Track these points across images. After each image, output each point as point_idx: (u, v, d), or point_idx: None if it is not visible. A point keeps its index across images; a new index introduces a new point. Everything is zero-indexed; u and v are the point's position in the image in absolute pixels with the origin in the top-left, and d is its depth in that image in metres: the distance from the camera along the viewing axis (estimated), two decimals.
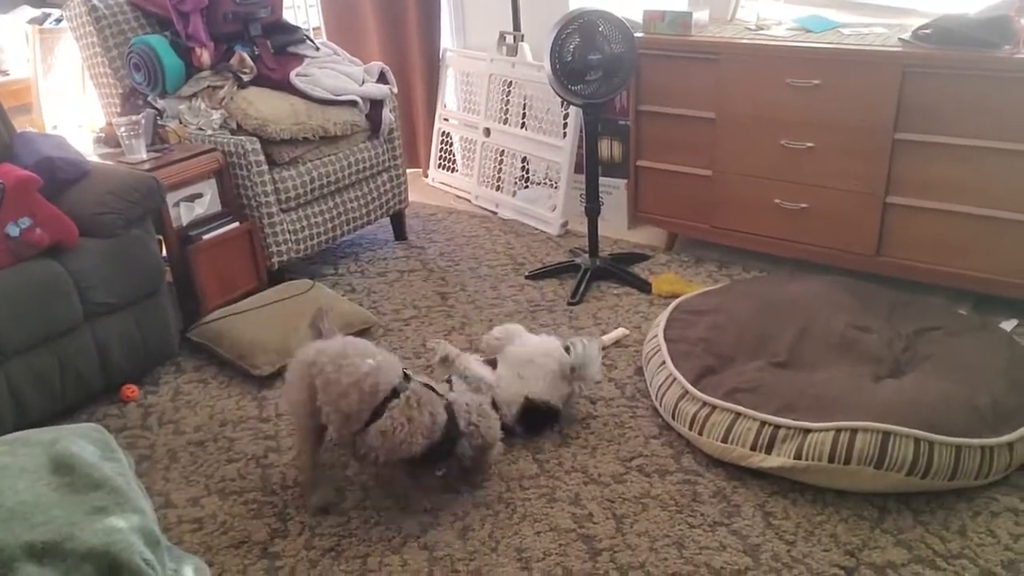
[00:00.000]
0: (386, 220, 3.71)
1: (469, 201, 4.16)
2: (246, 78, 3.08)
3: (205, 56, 3.07)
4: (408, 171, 3.74)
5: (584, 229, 3.29)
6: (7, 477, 1.02)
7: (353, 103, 3.25)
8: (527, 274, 3.31)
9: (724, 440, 2.08)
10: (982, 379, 2.11)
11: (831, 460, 1.93)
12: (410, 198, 3.75)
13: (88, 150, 2.91)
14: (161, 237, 2.77)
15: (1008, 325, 2.62)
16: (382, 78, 3.44)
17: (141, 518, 1.01)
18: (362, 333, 2.86)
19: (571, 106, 3.54)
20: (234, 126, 3.02)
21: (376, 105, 3.34)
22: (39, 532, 0.94)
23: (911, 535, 1.85)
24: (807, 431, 1.97)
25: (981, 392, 2.05)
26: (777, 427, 2.02)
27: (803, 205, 2.96)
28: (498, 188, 4.05)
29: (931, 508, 1.92)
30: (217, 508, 2.09)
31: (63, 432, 1.16)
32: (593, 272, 3.18)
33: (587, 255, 3.25)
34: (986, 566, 1.75)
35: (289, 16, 3.82)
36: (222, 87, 3.03)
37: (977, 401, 2.01)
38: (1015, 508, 1.91)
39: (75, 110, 4.29)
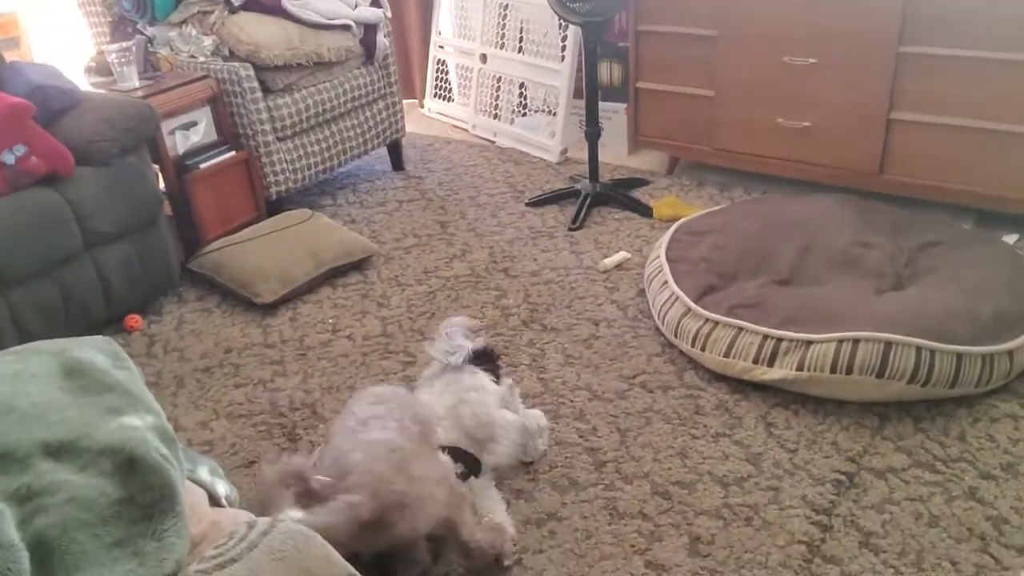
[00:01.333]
0: (383, 151, 3.67)
1: (466, 131, 4.12)
2: (237, 2, 3.01)
3: None
4: (404, 102, 3.68)
5: (584, 156, 3.25)
6: (19, 382, 1.03)
7: (347, 27, 3.18)
8: (527, 201, 3.29)
9: (726, 355, 2.10)
10: (984, 290, 2.11)
11: (833, 371, 1.94)
12: (407, 128, 3.70)
13: (80, 80, 2.86)
14: (158, 167, 2.74)
15: (1010, 239, 2.62)
16: (375, 2, 3.36)
17: (155, 418, 1.02)
18: (363, 261, 2.86)
19: (569, 28, 3.47)
20: (226, 52, 2.96)
21: (370, 29, 3.27)
22: (54, 431, 0.95)
23: (911, 441, 1.88)
24: (809, 343, 1.99)
25: (982, 302, 2.05)
26: (779, 340, 2.03)
27: (806, 124, 2.92)
28: (496, 116, 4.00)
29: (931, 415, 1.95)
30: (226, 431, 2.12)
31: (72, 342, 1.16)
32: (593, 198, 3.16)
33: (587, 181, 3.22)
34: (985, 469, 1.78)
35: None
36: (212, 12, 2.97)
37: (978, 310, 2.02)
38: (1015, 414, 1.93)
39: (64, 42, 4.20)
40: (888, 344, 1.92)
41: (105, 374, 1.08)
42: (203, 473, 1.17)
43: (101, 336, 1.25)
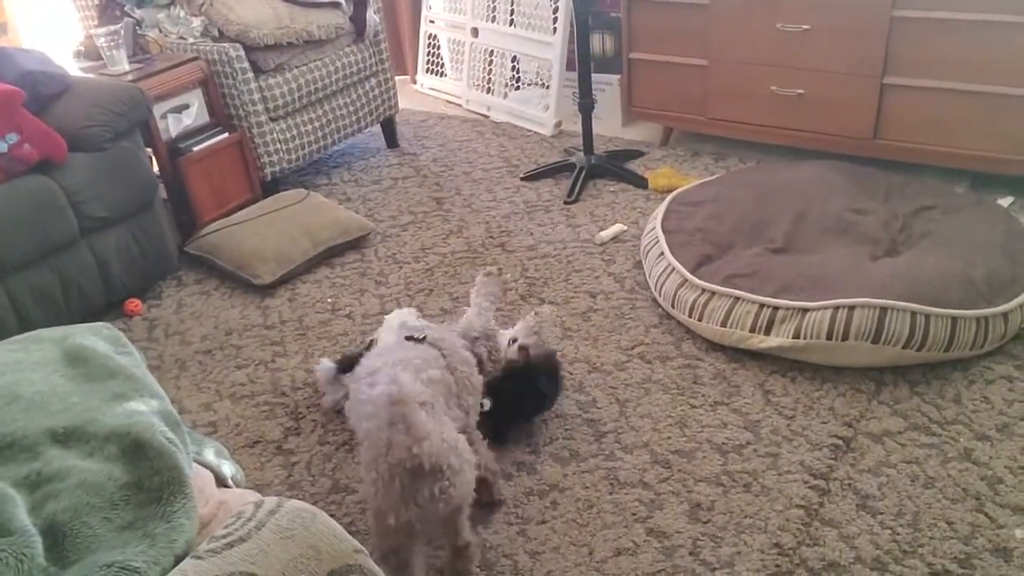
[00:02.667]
0: (377, 128, 3.65)
1: (460, 106, 4.10)
2: None
3: None
4: (396, 78, 3.66)
5: (578, 128, 3.25)
6: (22, 370, 1.04)
7: (336, 4, 3.15)
8: (522, 175, 3.28)
9: (723, 324, 2.11)
10: (978, 253, 2.13)
11: (829, 337, 1.96)
12: (400, 105, 3.68)
13: (69, 64, 2.84)
14: (151, 151, 2.73)
15: (1005, 201, 2.62)
16: None
17: (160, 402, 1.04)
18: (360, 240, 2.87)
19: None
20: (216, 33, 2.94)
21: (359, 6, 3.24)
22: (60, 418, 0.97)
23: (907, 405, 1.90)
24: (805, 310, 2.00)
25: (977, 265, 2.07)
26: (776, 308, 2.04)
27: (799, 91, 2.91)
28: (489, 91, 3.97)
29: (927, 379, 1.97)
30: (230, 411, 2.13)
31: (73, 329, 1.17)
32: (589, 170, 3.16)
33: (582, 153, 3.22)
34: (980, 430, 1.81)
35: None
36: None
37: (972, 274, 2.04)
38: (1009, 375, 1.96)
39: (52, 26, 4.16)
40: (883, 310, 1.94)
41: (108, 360, 1.09)
42: (209, 455, 1.19)
43: (102, 322, 1.26)
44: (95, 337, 1.16)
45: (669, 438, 1.88)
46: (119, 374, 1.06)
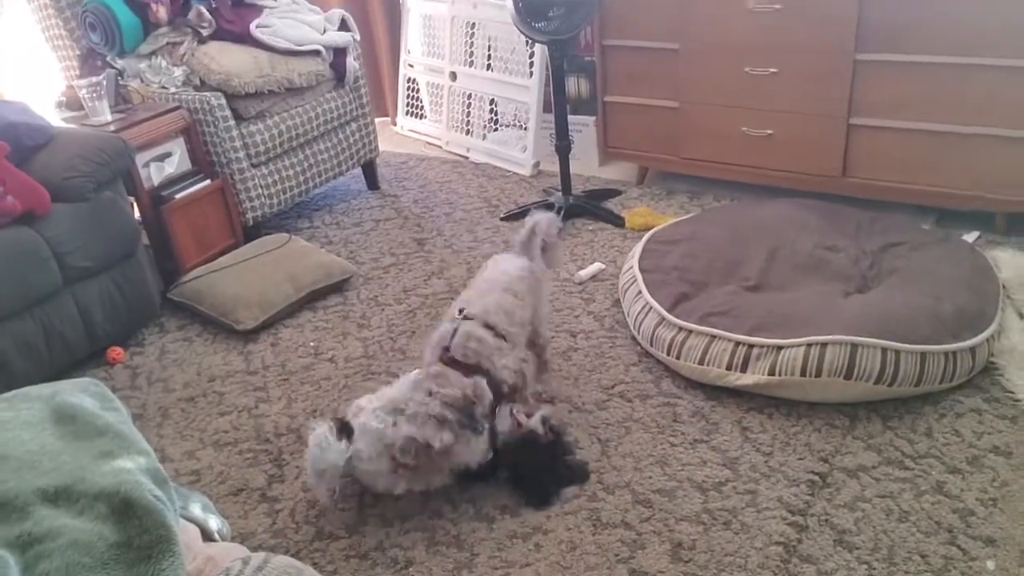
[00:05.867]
0: (358, 171, 3.70)
1: (440, 147, 4.16)
2: (205, 32, 3.04)
3: (162, 12, 3.01)
4: (376, 120, 3.72)
5: (556, 168, 3.31)
6: (11, 429, 1.06)
7: (316, 52, 3.22)
8: (502, 216, 3.34)
9: (701, 362, 2.15)
10: (945, 289, 2.19)
11: (803, 374, 2.01)
12: (380, 147, 3.74)
13: (51, 115, 2.87)
14: (133, 199, 2.76)
15: (970, 237, 2.70)
16: (343, 25, 3.40)
17: (147, 459, 1.06)
18: (342, 283, 2.90)
19: (536, 44, 3.53)
20: (197, 82, 2.99)
21: (339, 53, 3.31)
22: (50, 477, 0.98)
23: (881, 439, 1.94)
24: (779, 348, 2.05)
25: (944, 301, 2.13)
26: (751, 346, 2.09)
27: (769, 131, 3.00)
28: (468, 132, 4.05)
29: (899, 413, 2.02)
30: (213, 459, 2.14)
31: (61, 386, 1.19)
32: (567, 210, 3.22)
33: (560, 193, 3.28)
34: (951, 463, 1.85)
35: None
36: (181, 43, 2.99)
37: (940, 309, 2.10)
38: (978, 408, 2.01)
39: (33, 76, 4.19)
40: (854, 346, 1.99)
41: (95, 417, 1.11)
42: (196, 510, 1.20)
43: (88, 378, 1.28)
44: (82, 394, 1.18)
45: (650, 477, 1.91)
46: (107, 432, 1.08)
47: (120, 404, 1.22)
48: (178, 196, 2.85)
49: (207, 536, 1.20)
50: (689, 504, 1.82)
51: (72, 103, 2.94)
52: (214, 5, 3.12)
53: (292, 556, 1.37)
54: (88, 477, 0.98)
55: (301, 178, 3.28)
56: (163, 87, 2.99)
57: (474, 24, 3.85)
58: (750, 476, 1.88)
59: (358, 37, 3.43)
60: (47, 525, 0.92)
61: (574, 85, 3.71)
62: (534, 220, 2.14)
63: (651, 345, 2.31)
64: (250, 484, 2.03)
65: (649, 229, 2.84)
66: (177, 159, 2.89)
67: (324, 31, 3.31)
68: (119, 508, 0.95)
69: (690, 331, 2.20)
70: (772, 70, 2.89)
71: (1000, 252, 2.50)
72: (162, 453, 2.18)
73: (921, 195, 2.81)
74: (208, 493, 2.01)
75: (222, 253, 2.97)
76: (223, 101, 2.92)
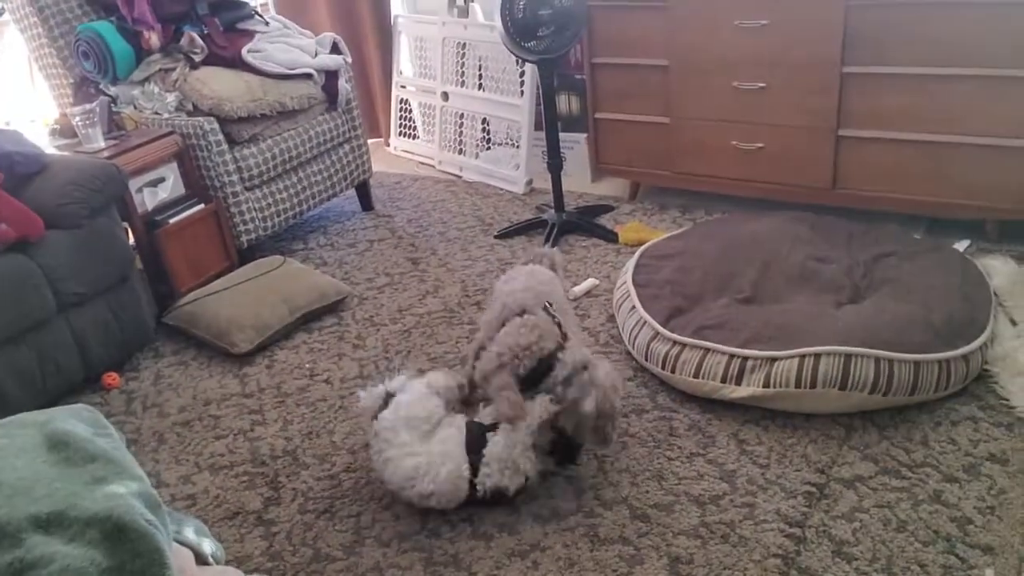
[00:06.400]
0: (352, 192, 3.72)
1: (433, 167, 4.18)
2: (197, 58, 3.06)
3: (154, 39, 3.04)
4: (369, 141, 3.75)
5: (548, 186, 3.33)
6: (5, 456, 1.05)
7: (308, 76, 3.24)
8: (496, 234, 3.35)
9: (696, 376, 2.16)
10: (937, 297, 2.20)
11: (798, 385, 2.01)
12: (374, 168, 3.76)
13: (44, 143, 2.89)
14: (127, 225, 2.77)
15: (960, 246, 2.72)
16: (335, 49, 3.43)
17: (140, 484, 1.05)
18: (337, 304, 2.90)
19: (526, 63, 3.56)
20: (190, 107, 3.01)
21: (331, 76, 3.33)
22: (43, 504, 0.98)
23: (877, 449, 1.95)
24: (774, 360, 2.05)
25: (936, 310, 2.14)
26: (745, 359, 2.09)
27: (759, 145, 3.02)
28: (460, 151, 4.07)
29: (895, 423, 2.02)
30: (209, 483, 2.13)
31: (55, 413, 1.18)
32: (560, 227, 3.23)
33: (553, 210, 3.30)
34: (948, 472, 1.85)
35: None
36: (174, 69, 3.01)
37: (933, 318, 2.11)
38: (973, 416, 2.01)
39: (26, 104, 4.21)
40: (848, 357, 1.99)
41: (88, 443, 1.11)
42: (189, 533, 1.20)
43: (82, 404, 1.28)
44: (75, 420, 1.17)
45: (647, 492, 1.91)
46: (99, 457, 1.08)
47: (114, 430, 1.22)
48: (172, 221, 2.86)
49: (201, 560, 1.20)
50: (687, 518, 1.82)
51: (66, 130, 2.95)
52: (206, 31, 3.15)
53: None
54: (80, 503, 0.98)
55: (295, 200, 3.29)
56: (156, 113, 3.01)
57: (465, 45, 3.89)
58: (747, 489, 1.88)
59: (350, 60, 3.46)
60: (39, 552, 0.91)
61: (565, 103, 3.74)
62: (551, 251, 2.46)
63: (646, 359, 2.31)
64: (246, 507, 2.03)
65: (642, 244, 2.85)
66: (171, 184, 2.90)
67: (316, 54, 3.34)
68: (111, 533, 0.95)
69: (684, 345, 2.21)
70: (760, 85, 2.92)
71: (991, 260, 2.51)
72: (158, 478, 2.17)
73: (911, 205, 2.83)
74: (204, 517, 2.00)
75: (216, 276, 2.98)
76: (216, 126, 2.94)
